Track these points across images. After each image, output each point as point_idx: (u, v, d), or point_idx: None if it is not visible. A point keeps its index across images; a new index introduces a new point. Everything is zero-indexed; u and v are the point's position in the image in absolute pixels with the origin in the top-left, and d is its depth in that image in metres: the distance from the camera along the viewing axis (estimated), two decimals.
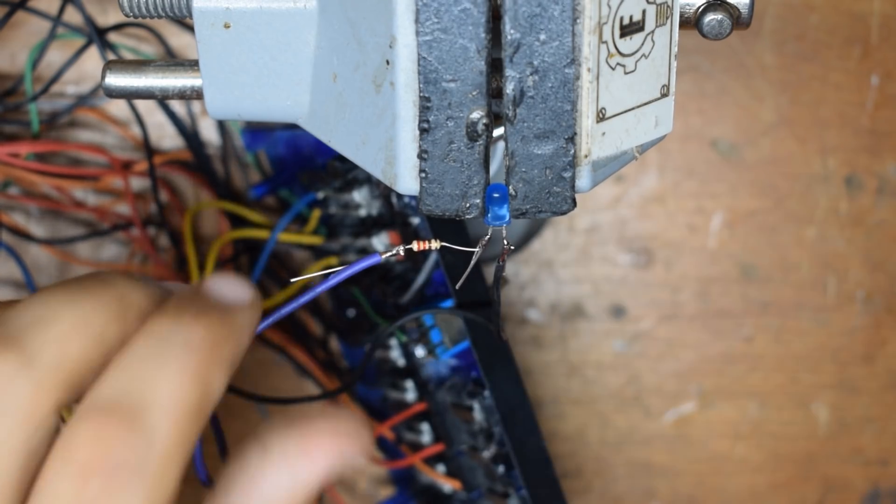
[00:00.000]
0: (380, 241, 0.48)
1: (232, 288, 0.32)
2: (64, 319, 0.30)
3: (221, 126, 0.54)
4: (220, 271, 0.34)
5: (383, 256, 0.36)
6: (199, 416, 0.30)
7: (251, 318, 0.32)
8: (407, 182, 0.34)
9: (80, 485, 0.28)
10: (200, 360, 0.30)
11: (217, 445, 0.38)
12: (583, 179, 0.34)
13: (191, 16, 0.37)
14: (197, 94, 0.38)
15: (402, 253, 0.36)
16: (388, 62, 0.33)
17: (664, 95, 0.36)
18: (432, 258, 0.45)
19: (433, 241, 0.37)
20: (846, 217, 0.56)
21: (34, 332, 0.30)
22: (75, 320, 0.30)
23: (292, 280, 0.37)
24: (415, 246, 0.37)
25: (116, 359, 0.30)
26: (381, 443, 0.55)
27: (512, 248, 0.37)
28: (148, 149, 0.52)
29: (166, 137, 0.55)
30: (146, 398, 0.29)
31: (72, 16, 0.51)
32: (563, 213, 0.35)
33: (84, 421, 0.29)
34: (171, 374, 0.30)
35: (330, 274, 0.36)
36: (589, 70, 0.33)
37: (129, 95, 0.38)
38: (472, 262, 0.38)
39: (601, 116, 0.34)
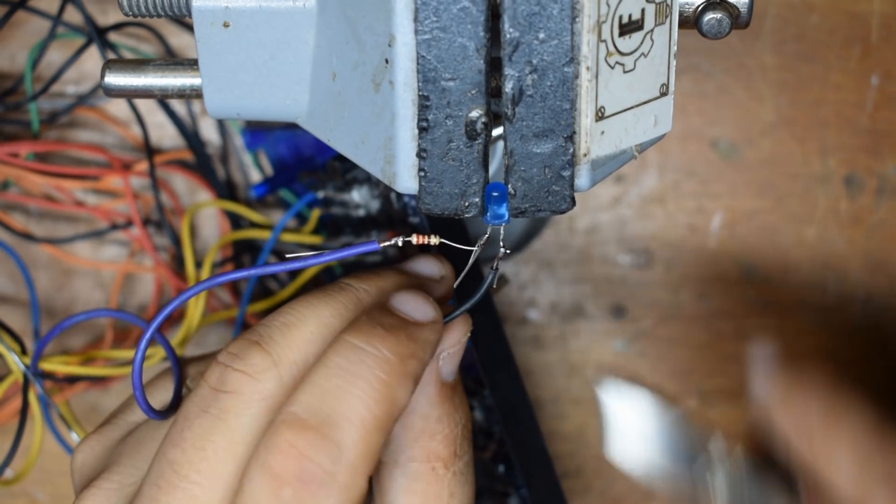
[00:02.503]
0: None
1: (417, 306, 0.36)
2: (308, 324, 0.35)
3: (222, 126, 0.54)
4: (407, 289, 0.37)
5: (381, 245, 0.36)
6: (385, 428, 0.33)
7: (432, 335, 0.35)
8: (406, 181, 0.34)
9: (274, 492, 0.32)
10: (387, 376, 0.33)
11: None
12: (582, 178, 0.34)
13: (190, 15, 0.37)
14: (196, 94, 0.38)
15: (400, 244, 0.37)
16: (387, 61, 0.33)
17: (663, 94, 0.36)
18: None
19: (432, 236, 0.37)
20: (846, 217, 0.56)
21: (280, 334, 0.34)
22: (316, 325, 0.35)
23: (288, 256, 0.37)
24: (414, 239, 0.37)
25: (310, 373, 0.33)
26: None
27: (508, 251, 0.37)
28: (148, 148, 0.52)
29: (166, 137, 0.55)
30: (336, 414, 0.32)
31: (72, 15, 0.51)
32: (563, 212, 0.34)
33: (278, 434, 0.32)
34: (360, 390, 0.32)
35: (330, 255, 0.36)
36: (588, 69, 0.33)
37: (129, 94, 0.38)
38: (471, 261, 0.38)
39: (600, 115, 0.34)
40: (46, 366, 0.49)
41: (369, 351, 0.33)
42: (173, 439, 0.34)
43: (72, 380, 0.51)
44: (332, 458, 0.32)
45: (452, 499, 0.37)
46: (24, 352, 0.48)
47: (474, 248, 0.37)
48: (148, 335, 0.36)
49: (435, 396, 0.37)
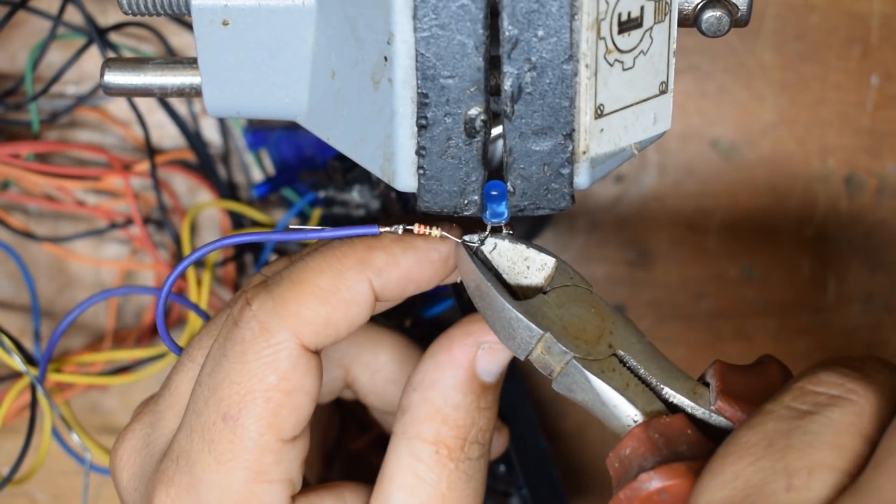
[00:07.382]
0: None
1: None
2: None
3: (223, 126, 0.54)
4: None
5: (381, 230, 0.36)
6: (319, 298, 0.36)
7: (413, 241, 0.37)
8: (405, 179, 0.34)
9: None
10: (336, 249, 0.37)
11: None
12: (581, 176, 0.34)
13: (189, 13, 0.37)
14: (196, 92, 0.38)
15: (401, 231, 0.37)
16: (386, 59, 0.33)
17: (663, 92, 0.36)
18: None
19: (434, 228, 0.37)
20: (846, 217, 0.56)
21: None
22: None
23: (292, 227, 0.37)
24: (415, 228, 0.37)
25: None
26: (382, 442, 0.55)
27: (510, 231, 0.37)
28: (149, 148, 0.52)
29: (167, 137, 0.55)
30: (283, 275, 0.37)
31: (72, 15, 0.51)
32: (562, 210, 0.35)
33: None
34: (314, 254, 0.37)
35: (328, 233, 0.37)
36: (587, 66, 0.33)
37: (128, 93, 0.38)
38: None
39: (599, 113, 0.34)
40: (55, 376, 0.49)
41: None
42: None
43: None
44: (259, 302, 0.36)
45: (450, 492, 0.37)
46: (25, 354, 0.48)
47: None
48: (177, 272, 0.37)
49: (462, 383, 0.38)
